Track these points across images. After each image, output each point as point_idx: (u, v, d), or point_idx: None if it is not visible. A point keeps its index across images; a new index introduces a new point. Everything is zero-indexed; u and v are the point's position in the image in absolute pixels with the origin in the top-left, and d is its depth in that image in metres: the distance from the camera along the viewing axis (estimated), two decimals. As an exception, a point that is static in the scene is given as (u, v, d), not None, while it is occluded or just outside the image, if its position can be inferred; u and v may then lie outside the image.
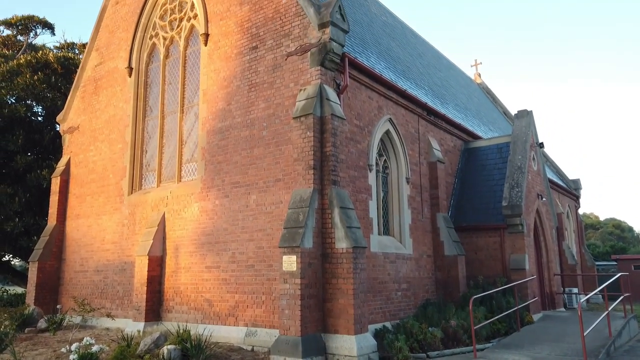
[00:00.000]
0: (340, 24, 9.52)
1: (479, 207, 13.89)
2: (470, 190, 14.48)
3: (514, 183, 13.34)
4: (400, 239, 11.66)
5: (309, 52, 9.49)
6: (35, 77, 17.61)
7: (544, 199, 15.26)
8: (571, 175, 27.21)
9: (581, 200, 26.26)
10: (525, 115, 14.96)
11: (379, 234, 10.89)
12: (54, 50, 22.01)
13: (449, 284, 12.37)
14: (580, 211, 26.97)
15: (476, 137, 16.21)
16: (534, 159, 14.79)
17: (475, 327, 9.31)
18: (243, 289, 9.70)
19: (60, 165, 14.94)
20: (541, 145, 15.61)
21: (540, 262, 14.92)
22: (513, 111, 26.80)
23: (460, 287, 12.25)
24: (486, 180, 14.51)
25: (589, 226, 49.09)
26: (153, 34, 13.30)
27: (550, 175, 21.91)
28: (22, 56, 19.30)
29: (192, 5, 12.25)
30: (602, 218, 58.39)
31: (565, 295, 16.62)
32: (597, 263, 27.36)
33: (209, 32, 11.50)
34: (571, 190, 24.73)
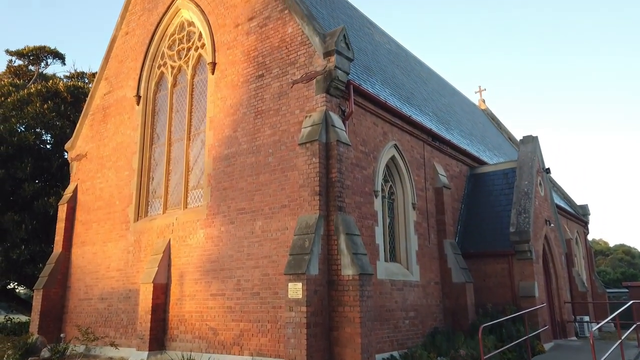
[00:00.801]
0: (345, 52, 9.66)
1: (486, 233, 13.76)
2: (477, 216, 14.38)
3: (521, 209, 13.24)
4: (407, 266, 11.53)
5: (314, 80, 9.61)
6: (45, 105, 17.90)
7: (552, 224, 15.11)
8: (579, 201, 26.99)
9: (590, 226, 25.98)
10: (531, 141, 14.95)
11: (385, 260, 10.79)
12: (64, 80, 22.42)
13: (458, 312, 12.16)
14: (589, 237, 26.66)
15: (482, 163, 16.19)
16: (540, 184, 14.71)
17: (485, 357, 9.10)
18: (248, 317, 9.57)
19: (68, 193, 15.03)
20: (547, 170, 15.55)
21: (550, 289, 14.68)
22: (518, 137, 26.85)
23: (469, 315, 12.03)
24: (493, 205, 14.42)
25: (598, 252, 48.43)
26: (161, 63, 13.54)
27: (558, 200, 21.75)
28: (32, 85, 19.68)
29: (200, 35, 12.50)
30: (611, 244, 57.68)
31: (577, 324, 16.27)
32: (608, 290, 26.87)
33: (216, 61, 11.69)
34: (579, 216, 24.50)
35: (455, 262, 12.54)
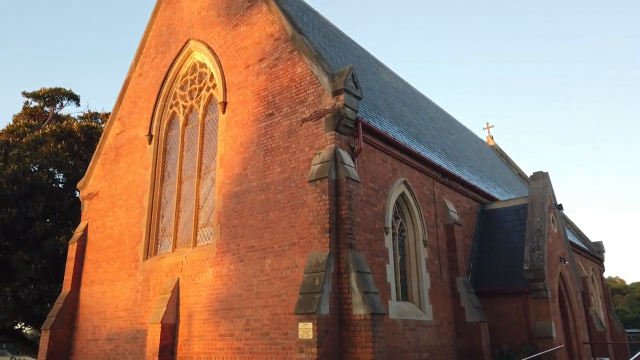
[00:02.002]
0: (354, 91, 9.80)
1: (499, 271, 13.50)
2: (490, 253, 14.15)
3: (535, 246, 13.03)
4: (420, 305, 11.29)
5: (323, 118, 9.72)
6: (59, 145, 18.22)
7: (566, 262, 14.81)
8: (593, 238, 26.53)
9: (605, 264, 25.44)
10: (541, 177, 14.87)
11: (397, 299, 10.57)
12: (78, 120, 22.90)
13: (472, 353, 11.79)
14: (605, 275, 26.04)
15: (492, 199, 16.08)
16: (553, 221, 14.52)
17: (503, 401, 8.74)
18: (257, 359, 9.34)
19: (78, 231, 15.07)
20: (560, 207, 15.39)
21: (567, 329, 14.23)
22: (528, 173, 26.70)
23: (485, 357, 11.65)
24: (505, 243, 14.21)
25: (615, 291, 47.20)
26: (173, 103, 13.82)
27: (571, 237, 21.41)
28: (47, 126, 20.11)
29: (212, 76, 12.79)
30: (628, 282, 56.25)
31: (597, 366, 15.68)
32: (627, 330, 26.03)
33: (227, 101, 11.90)
34: (594, 253, 24.03)
35: (469, 300, 12.25)
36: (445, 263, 12.61)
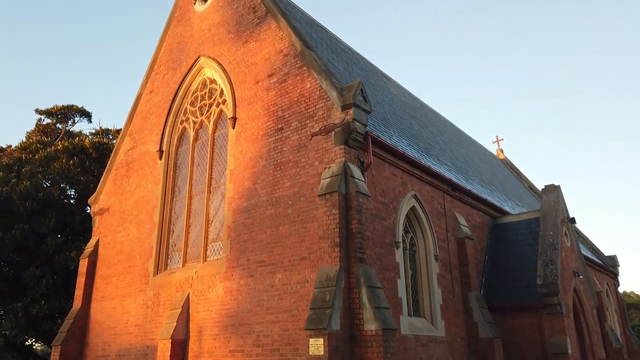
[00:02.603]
0: (363, 105, 9.82)
1: (512, 286, 13.30)
2: (502, 267, 13.97)
3: (548, 260, 12.85)
4: (432, 320, 11.14)
5: (332, 132, 9.74)
6: (71, 161, 18.43)
7: (580, 276, 14.57)
8: (607, 252, 26.20)
9: (620, 278, 25.00)
10: (553, 190, 14.72)
11: (409, 314, 10.44)
12: (90, 137, 23.19)
13: (486, 370, 11.56)
14: (620, 289, 25.58)
15: (503, 213, 15.93)
16: (566, 234, 14.33)
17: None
18: (267, 375, 9.24)
19: (89, 247, 15.13)
20: (572, 220, 15.19)
21: (583, 345, 13.94)
22: (539, 186, 26.52)
23: (499, 373, 11.43)
24: (517, 257, 14.03)
25: (630, 306, 46.31)
26: (184, 118, 13.94)
27: (585, 251, 21.10)
28: (59, 142, 20.37)
29: (222, 92, 12.91)
30: (644, 297, 55.16)
31: (615, 383, 15.30)
32: (645, 346, 25.39)
33: (237, 116, 11.98)
34: (608, 268, 23.64)
35: (482, 316, 12.07)
36: (457, 278, 12.46)
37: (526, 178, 29.03)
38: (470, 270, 12.69)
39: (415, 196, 11.57)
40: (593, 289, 15.96)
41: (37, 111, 24.58)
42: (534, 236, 14.23)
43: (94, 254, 14.83)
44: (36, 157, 19.13)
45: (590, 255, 21.63)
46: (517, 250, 14.26)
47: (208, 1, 14.33)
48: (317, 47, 12.32)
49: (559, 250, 13.05)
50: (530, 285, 12.89)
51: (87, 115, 24.97)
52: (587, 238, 25.72)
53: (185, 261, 12.27)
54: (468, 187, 14.40)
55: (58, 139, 23.09)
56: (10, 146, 22.42)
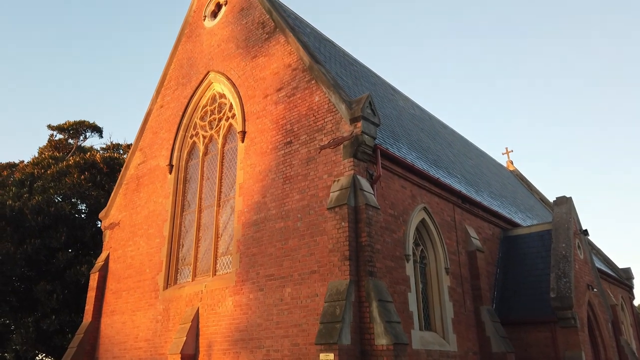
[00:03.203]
0: (371, 118, 9.84)
1: (525, 299, 13.11)
2: (514, 280, 13.79)
3: (561, 273, 12.66)
4: (443, 335, 10.99)
5: (341, 145, 9.74)
6: (82, 176, 18.61)
7: (594, 289, 14.34)
8: (621, 264, 25.79)
9: (635, 291, 24.55)
10: (565, 202, 14.57)
11: (420, 329, 10.32)
12: (101, 152, 23.43)
13: (500, 385, 11.36)
14: (635, 302, 25.11)
15: (514, 225, 15.77)
16: (579, 247, 14.14)
17: None
18: (277, 391, 9.14)
19: (100, 261, 15.19)
20: (585, 232, 15.00)
21: None
22: (550, 198, 26.26)
23: (513, 389, 11.22)
24: (530, 270, 13.85)
25: (647, 319, 45.31)
26: (193, 133, 14.04)
27: (599, 264, 20.79)
28: (71, 158, 20.59)
29: (231, 106, 13.00)
30: (660, 310, 54.01)
31: (632, 399, 14.94)
32: (663, 361, 24.80)
33: (246, 130, 12.05)
34: (623, 280, 23.24)
35: (494, 330, 11.89)
36: (468, 291, 12.32)
37: (537, 190, 28.79)
38: (482, 284, 12.54)
39: (425, 208, 11.51)
40: (608, 303, 15.68)
41: (50, 127, 24.94)
42: (546, 249, 14.06)
43: (105, 268, 14.88)
44: (48, 172, 19.34)
45: (604, 268, 21.30)
46: (529, 263, 14.08)
47: (217, 17, 14.52)
48: (325, 61, 12.40)
49: (572, 262, 12.86)
50: (544, 298, 12.70)
51: (98, 130, 25.28)
52: (600, 250, 25.35)
53: (194, 275, 12.27)
54: (478, 199, 14.31)
55: (70, 154, 23.35)
56: (23, 162, 22.72)
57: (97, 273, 14.77)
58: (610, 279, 21.11)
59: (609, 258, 25.00)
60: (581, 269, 13.74)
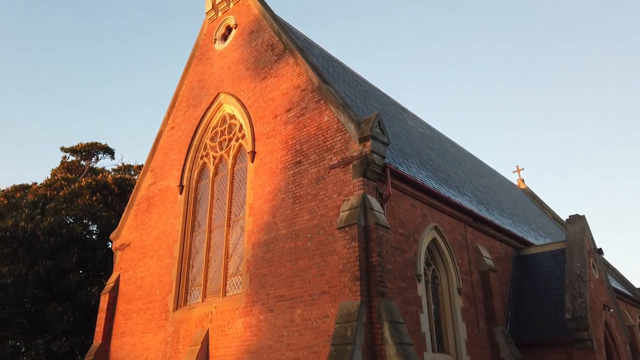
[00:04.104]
0: (381, 137, 9.85)
1: (539, 320, 12.85)
2: (528, 301, 13.55)
3: (576, 293, 12.42)
4: (457, 357, 10.77)
5: (351, 165, 9.75)
6: (94, 197, 18.76)
7: (611, 310, 14.03)
8: (637, 284, 25.24)
9: (653, 311, 23.93)
10: (578, 220, 14.38)
11: (432, 351, 10.13)
12: (112, 173, 23.67)
13: (516, 409, 11.06)
14: (654, 323, 24.45)
15: (527, 244, 15.57)
16: (594, 266, 13.90)
17: None
18: (288, 414, 8.98)
19: (110, 282, 15.20)
20: (600, 251, 14.75)
21: (617, 382, 13.28)
22: (563, 216, 25.95)
23: (529, 413, 10.91)
24: (544, 290, 13.61)
25: (666, 340, 44.10)
26: (204, 153, 14.15)
27: (614, 284, 20.37)
28: (83, 179, 20.81)
29: (241, 127, 13.12)
30: (680, 331, 52.55)
31: None
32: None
33: (256, 150, 12.12)
34: (640, 300, 22.71)
35: (509, 352, 11.64)
36: (481, 312, 12.11)
37: (549, 208, 28.48)
38: (495, 304, 12.33)
39: (436, 228, 11.41)
40: (625, 323, 15.31)
41: (63, 149, 25.29)
42: (560, 268, 13.83)
43: (115, 290, 14.87)
44: (60, 193, 19.55)
45: (620, 288, 20.86)
46: (543, 282, 13.85)
47: (228, 40, 14.76)
48: (334, 82, 12.51)
49: (587, 282, 12.63)
50: (559, 319, 12.44)
51: (110, 152, 25.59)
52: (616, 270, 24.88)
53: (204, 296, 12.21)
54: (490, 217, 14.17)
55: (82, 175, 23.62)
56: (36, 183, 23.01)
57: (108, 294, 14.76)
58: (627, 299, 20.66)
59: (625, 277, 24.51)
60: (597, 289, 13.47)
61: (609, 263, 24.46)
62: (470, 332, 11.36)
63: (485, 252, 13.04)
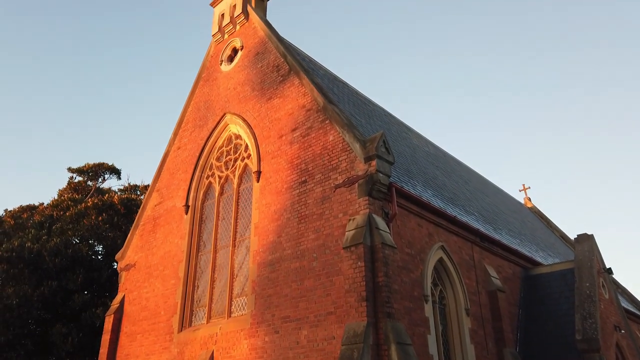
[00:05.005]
0: (386, 157, 9.86)
1: (549, 341, 12.63)
2: (537, 321, 13.33)
3: (586, 313, 12.22)
4: (465, 379, 10.57)
5: (356, 184, 9.74)
6: (100, 218, 18.81)
7: (622, 331, 13.77)
8: (648, 303, 24.74)
9: (666, 332, 23.46)
10: (587, 239, 14.23)
11: (440, 372, 9.95)
12: (118, 193, 23.76)
13: None
14: (668, 344, 23.95)
15: (535, 263, 15.40)
16: (603, 286, 13.70)
17: None
18: None
19: (115, 303, 15.12)
20: (609, 271, 14.55)
21: (631, 406, 12.96)
22: (571, 235, 25.69)
23: None
24: (553, 310, 13.40)
25: (680, 362, 43.12)
26: (209, 173, 14.20)
27: (625, 304, 20.04)
28: (89, 199, 20.91)
29: (246, 147, 13.18)
30: (694, 353, 51.40)
31: None
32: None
33: (261, 170, 12.16)
34: (652, 321, 22.28)
35: (519, 374, 11.41)
36: (490, 333, 11.92)
37: (557, 227, 28.22)
38: (504, 325, 12.14)
39: (442, 247, 11.33)
40: (637, 344, 15.01)
41: (70, 170, 25.46)
42: (569, 288, 13.64)
43: (120, 311, 14.78)
44: (67, 214, 19.62)
45: (631, 308, 20.51)
46: (552, 303, 13.65)
47: (234, 62, 14.95)
48: (338, 101, 12.59)
49: (597, 302, 12.43)
50: (569, 340, 12.22)
51: (116, 172, 25.71)
52: (626, 289, 24.49)
53: (209, 317, 12.11)
54: (497, 237, 14.05)
55: (88, 195, 23.73)
56: (43, 204, 23.12)
57: (112, 315, 14.67)
58: (638, 320, 20.28)
59: (635, 298, 24.12)
60: (607, 309, 13.25)
61: (618, 283, 24.09)
62: (479, 354, 11.17)
63: (492, 272, 12.90)
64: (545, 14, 65.70)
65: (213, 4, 16.38)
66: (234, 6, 15.38)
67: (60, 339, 16.24)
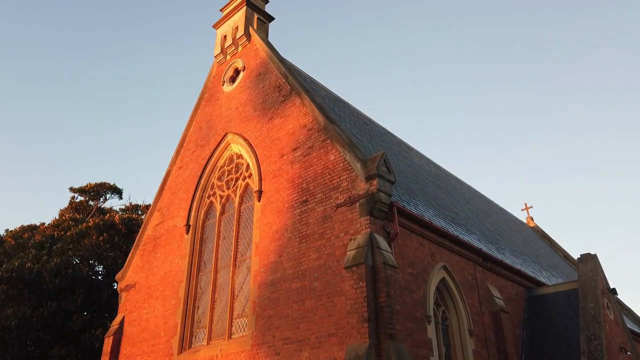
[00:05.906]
0: (387, 176, 9.86)
1: (554, 363, 12.42)
2: (542, 343, 13.14)
3: (591, 335, 12.05)
4: (470, 402, 10.38)
5: (357, 203, 9.72)
6: (101, 238, 18.75)
7: (628, 352, 13.55)
8: (654, 324, 24.39)
9: (673, 354, 23.07)
10: (590, 259, 14.12)
11: (444, 395, 9.78)
12: (120, 212, 23.73)
13: None
14: (675, 366, 23.53)
15: (539, 284, 15.25)
16: (608, 306, 13.53)
17: None
18: None
19: (114, 325, 14.95)
20: (614, 291, 14.40)
21: None
22: (574, 255, 25.49)
23: None
24: (558, 331, 13.22)
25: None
26: (211, 193, 14.20)
27: (631, 325, 19.76)
28: (91, 219, 20.88)
29: (248, 166, 13.21)
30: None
31: None
32: None
33: (263, 189, 12.16)
34: (659, 342, 21.94)
35: (524, 397, 11.20)
36: (494, 354, 11.74)
37: (560, 246, 28.04)
38: (508, 346, 11.97)
39: (444, 267, 11.24)
40: (645, 367, 14.74)
41: (71, 189, 25.48)
42: (573, 309, 13.48)
43: (119, 332, 14.61)
44: (68, 234, 19.57)
45: (636, 329, 20.22)
46: (556, 324, 13.47)
47: (236, 82, 15.09)
48: (340, 121, 12.66)
49: (602, 323, 12.27)
50: (575, 362, 12.02)
51: (118, 192, 25.73)
52: (631, 310, 24.19)
53: (209, 338, 11.97)
54: (500, 257, 13.96)
55: (89, 215, 23.70)
56: (44, 224, 23.09)
57: (111, 337, 14.49)
58: (645, 341, 19.95)
59: (641, 318, 23.79)
60: (612, 330, 13.07)
61: (623, 303, 23.81)
62: (483, 376, 10.98)
63: (496, 292, 12.77)
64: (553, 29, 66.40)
65: (216, 26, 16.62)
66: (237, 28, 15.60)
67: (58, 361, 16.04)
